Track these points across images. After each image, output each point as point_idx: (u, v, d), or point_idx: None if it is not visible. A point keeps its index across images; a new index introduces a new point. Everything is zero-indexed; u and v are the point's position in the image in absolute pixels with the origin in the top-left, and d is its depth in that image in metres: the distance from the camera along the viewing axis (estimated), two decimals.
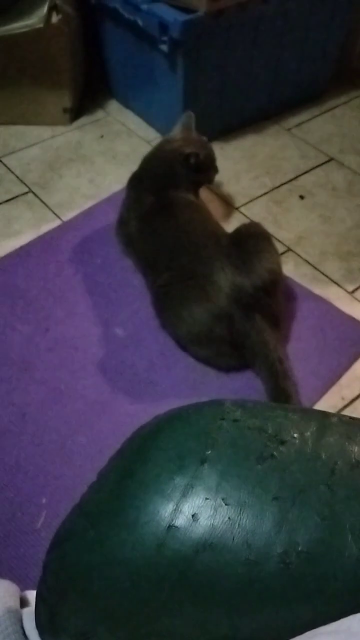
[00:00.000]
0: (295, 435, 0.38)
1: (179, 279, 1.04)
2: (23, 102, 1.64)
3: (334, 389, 1.06)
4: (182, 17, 1.32)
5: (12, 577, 0.54)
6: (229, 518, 0.35)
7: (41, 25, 1.47)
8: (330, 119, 1.71)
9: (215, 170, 1.35)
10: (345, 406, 1.03)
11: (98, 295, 1.20)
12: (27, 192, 1.46)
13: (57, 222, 1.38)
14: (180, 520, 0.35)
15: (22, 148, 1.60)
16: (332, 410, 1.03)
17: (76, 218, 1.38)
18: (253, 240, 1.07)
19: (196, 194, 1.28)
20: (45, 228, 1.36)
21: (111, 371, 1.07)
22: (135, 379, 1.06)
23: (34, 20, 1.48)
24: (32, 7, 1.50)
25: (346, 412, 1.02)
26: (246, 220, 1.38)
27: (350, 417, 0.42)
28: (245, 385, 1.05)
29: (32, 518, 0.87)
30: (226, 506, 0.35)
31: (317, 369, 1.08)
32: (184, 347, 1.09)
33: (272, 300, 1.04)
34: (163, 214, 1.15)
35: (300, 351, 1.10)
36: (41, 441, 0.96)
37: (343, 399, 1.04)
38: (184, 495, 0.35)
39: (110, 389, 1.04)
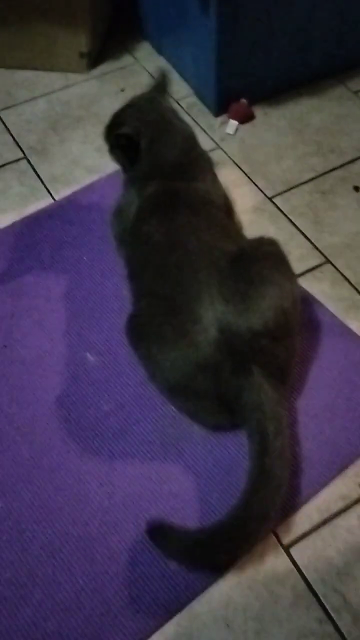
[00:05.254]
0: None
1: (158, 311, 0.79)
2: (34, 43, 1.38)
3: (350, 472, 0.80)
4: None
5: None
6: None
7: None
8: None
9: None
10: None
11: (75, 304, 0.98)
12: (20, 159, 1.22)
13: (48, 201, 1.14)
14: None
15: (26, 100, 1.35)
16: (343, 502, 0.78)
17: (69, 198, 1.14)
18: (260, 265, 0.79)
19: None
20: (33, 208, 1.13)
21: (70, 411, 0.86)
22: (97, 425, 0.84)
23: None
24: None
25: None
26: (279, 216, 1.09)
27: None
28: (236, 452, 0.81)
29: None
30: None
31: (332, 440, 0.82)
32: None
33: (279, 348, 0.78)
34: (160, 213, 0.88)
35: (313, 412, 0.84)
36: None
37: None
38: None
39: (63, 436, 0.83)
